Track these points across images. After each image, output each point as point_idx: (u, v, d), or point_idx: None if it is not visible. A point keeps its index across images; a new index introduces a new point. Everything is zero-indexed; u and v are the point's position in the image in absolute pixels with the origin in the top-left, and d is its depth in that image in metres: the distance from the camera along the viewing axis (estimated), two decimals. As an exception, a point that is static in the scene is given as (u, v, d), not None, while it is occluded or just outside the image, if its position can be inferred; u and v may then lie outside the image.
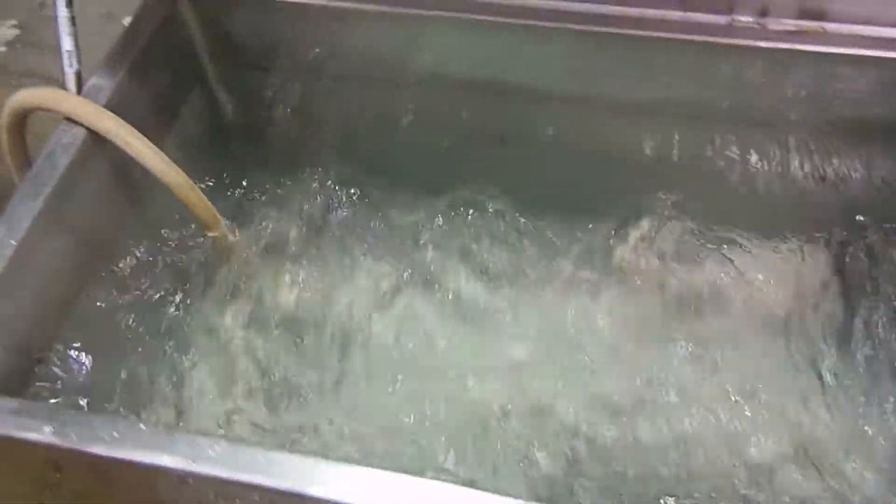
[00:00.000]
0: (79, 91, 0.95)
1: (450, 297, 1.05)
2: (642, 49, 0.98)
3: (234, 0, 1.09)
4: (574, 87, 1.05)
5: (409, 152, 1.16)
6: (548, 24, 0.99)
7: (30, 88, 0.93)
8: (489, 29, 1.01)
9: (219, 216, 0.99)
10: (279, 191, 1.16)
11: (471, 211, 1.12)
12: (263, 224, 1.10)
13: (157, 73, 1.04)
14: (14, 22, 2.04)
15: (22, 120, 0.96)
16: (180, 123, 1.11)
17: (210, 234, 1.01)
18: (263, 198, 1.15)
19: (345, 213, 1.13)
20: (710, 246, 1.09)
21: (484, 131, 1.12)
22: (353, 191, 1.15)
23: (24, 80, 1.89)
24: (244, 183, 1.18)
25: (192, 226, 1.03)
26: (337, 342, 1.02)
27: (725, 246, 1.09)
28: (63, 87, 0.95)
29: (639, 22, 0.97)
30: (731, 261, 1.08)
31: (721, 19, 0.96)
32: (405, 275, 1.07)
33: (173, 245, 1.03)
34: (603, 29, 0.98)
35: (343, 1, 1.05)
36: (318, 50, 1.11)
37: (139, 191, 1.00)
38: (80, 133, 0.90)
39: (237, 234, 1.04)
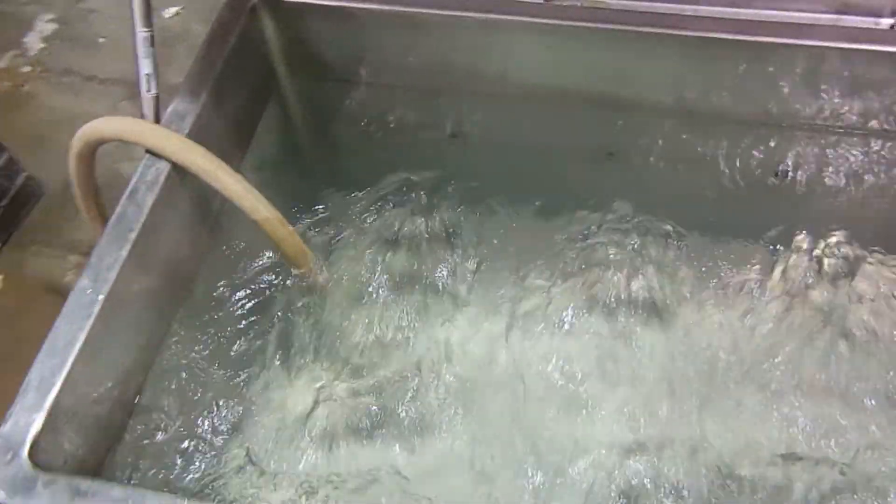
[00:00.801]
0: (157, 119, 0.87)
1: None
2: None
3: (309, 10, 0.99)
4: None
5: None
6: (654, 29, 0.90)
7: (108, 118, 0.84)
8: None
9: (308, 252, 0.91)
10: (362, 214, 1.07)
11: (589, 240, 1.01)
12: (348, 254, 1.01)
13: (236, 93, 0.96)
14: (52, 16, 1.96)
15: (94, 149, 0.88)
16: (257, 143, 1.02)
17: (299, 271, 0.93)
18: (345, 224, 1.06)
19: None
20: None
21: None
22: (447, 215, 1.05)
23: (63, 78, 1.82)
24: (322, 206, 1.09)
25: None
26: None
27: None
28: (140, 113, 0.87)
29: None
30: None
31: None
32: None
33: (257, 283, 0.95)
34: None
35: (425, 8, 0.96)
36: (398, 59, 1.02)
37: (222, 224, 0.93)
38: (164, 168, 0.82)
39: (324, 270, 0.95)
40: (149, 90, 0.87)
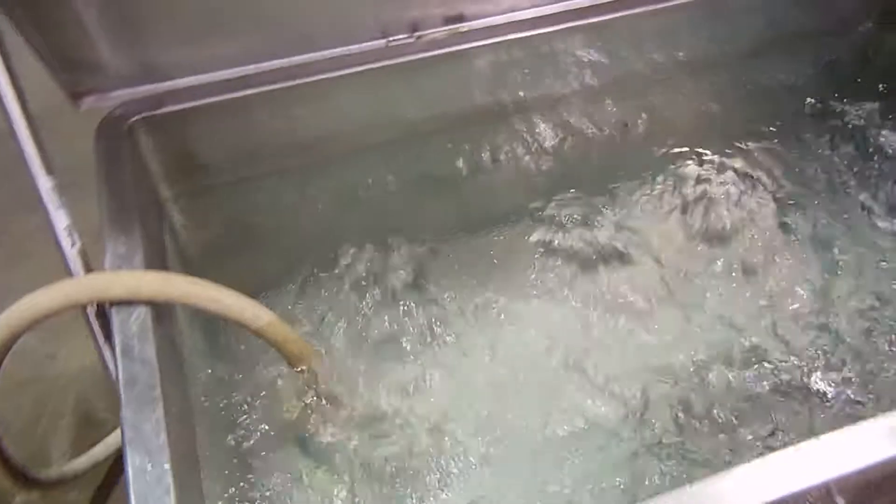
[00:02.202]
0: (89, 271, 0.75)
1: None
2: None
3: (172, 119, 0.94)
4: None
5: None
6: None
7: (44, 289, 0.70)
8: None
9: (311, 347, 0.85)
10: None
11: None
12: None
13: (146, 218, 0.86)
14: None
15: (12, 343, 0.73)
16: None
17: (302, 367, 0.86)
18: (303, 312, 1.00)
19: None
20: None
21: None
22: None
23: None
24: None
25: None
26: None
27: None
28: (66, 271, 0.75)
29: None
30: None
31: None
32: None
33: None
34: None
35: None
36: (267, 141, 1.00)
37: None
38: (141, 311, 0.71)
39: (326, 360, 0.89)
40: (73, 244, 0.75)
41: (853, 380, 0.94)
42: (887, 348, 0.98)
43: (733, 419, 0.91)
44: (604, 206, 1.13)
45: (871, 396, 0.93)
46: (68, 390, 1.29)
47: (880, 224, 1.13)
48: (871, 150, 1.20)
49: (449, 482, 0.86)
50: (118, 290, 0.70)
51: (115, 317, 0.71)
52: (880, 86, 1.25)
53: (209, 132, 0.95)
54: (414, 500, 0.86)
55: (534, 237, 1.10)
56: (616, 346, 0.99)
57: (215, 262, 1.01)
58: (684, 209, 1.15)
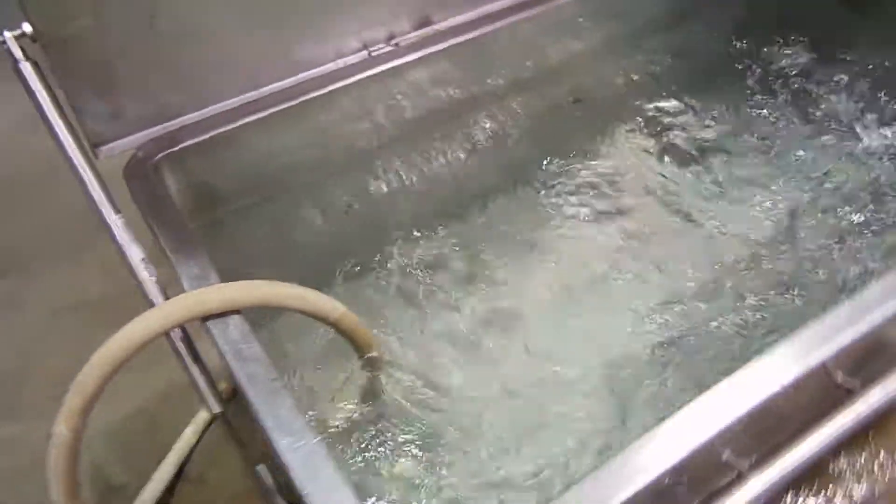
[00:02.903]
0: (166, 297, 0.79)
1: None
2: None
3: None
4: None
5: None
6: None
7: (138, 319, 0.73)
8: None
9: (373, 335, 0.91)
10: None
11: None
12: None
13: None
14: None
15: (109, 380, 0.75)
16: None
17: (370, 354, 0.92)
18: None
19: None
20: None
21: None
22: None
23: None
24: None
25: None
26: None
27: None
28: (146, 303, 0.78)
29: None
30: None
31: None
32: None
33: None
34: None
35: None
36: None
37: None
38: (235, 319, 0.76)
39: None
40: (151, 274, 0.78)
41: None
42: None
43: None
44: (582, 164, 1.26)
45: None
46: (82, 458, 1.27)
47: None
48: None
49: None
50: (215, 302, 0.74)
51: (214, 329, 0.75)
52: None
53: (226, 160, 0.99)
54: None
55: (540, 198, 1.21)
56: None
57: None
58: (656, 150, 1.30)
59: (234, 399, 1.21)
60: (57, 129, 0.74)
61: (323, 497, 0.63)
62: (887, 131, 1.33)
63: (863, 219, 1.20)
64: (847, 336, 0.78)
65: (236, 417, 1.00)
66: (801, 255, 1.16)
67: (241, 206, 1.02)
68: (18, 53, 0.72)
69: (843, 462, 1.26)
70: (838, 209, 1.22)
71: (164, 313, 0.73)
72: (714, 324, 1.05)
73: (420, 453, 0.91)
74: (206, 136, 0.97)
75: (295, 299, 0.79)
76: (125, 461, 1.28)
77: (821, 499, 1.36)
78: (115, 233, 0.76)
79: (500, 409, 0.96)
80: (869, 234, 1.18)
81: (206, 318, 0.75)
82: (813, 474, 1.35)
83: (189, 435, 1.22)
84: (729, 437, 0.72)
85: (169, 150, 0.94)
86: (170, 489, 1.20)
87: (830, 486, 1.36)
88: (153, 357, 1.36)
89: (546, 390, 0.97)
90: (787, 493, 1.26)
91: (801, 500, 1.30)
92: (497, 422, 0.94)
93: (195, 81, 0.96)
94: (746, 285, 1.11)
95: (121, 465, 1.26)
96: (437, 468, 0.90)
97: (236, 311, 0.76)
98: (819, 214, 1.23)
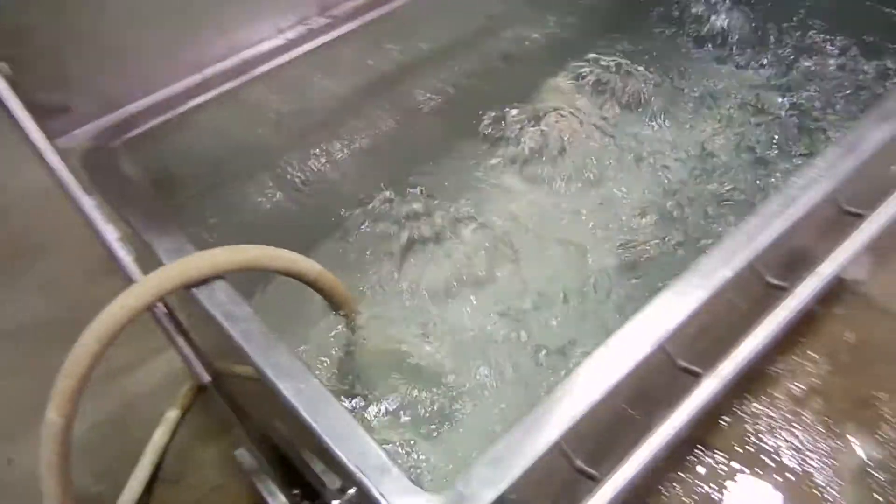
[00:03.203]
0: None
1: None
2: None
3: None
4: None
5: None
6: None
7: (128, 291, 0.76)
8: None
9: (350, 294, 0.96)
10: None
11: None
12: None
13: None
14: None
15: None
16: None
17: (345, 311, 0.96)
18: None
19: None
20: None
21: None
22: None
23: None
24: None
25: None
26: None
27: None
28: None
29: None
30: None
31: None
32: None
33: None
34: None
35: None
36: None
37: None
38: (219, 283, 0.79)
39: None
40: (129, 253, 0.80)
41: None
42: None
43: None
44: (516, 115, 1.33)
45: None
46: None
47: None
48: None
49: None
50: (200, 268, 0.77)
51: (201, 295, 0.78)
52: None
53: (180, 144, 1.01)
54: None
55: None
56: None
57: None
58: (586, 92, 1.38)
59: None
60: (19, 116, 0.75)
61: (334, 430, 0.68)
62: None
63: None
64: (770, 234, 0.87)
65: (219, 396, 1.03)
66: (727, 172, 1.28)
67: (201, 189, 1.05)
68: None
69: (780, 365, 1.40)
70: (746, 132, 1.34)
71: (151, 283, 0.76)
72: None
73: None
74: (158, 121, 0.99)
75: (276, 260, 0.83)
76: (97, 471, 1.28)
77: (765, 401, 1.49)
78: (89, 214, 0.78)
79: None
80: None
81: (190, 287, 0.78)
82: (756, 379, 1.49)
83: (160, 435, 1.24)
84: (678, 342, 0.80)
85: (124, 137, 0.96)
86: (147, 490, 1.22)
87: (770, 389, 1.50)
88: (112, 366, 1.36)
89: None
90: (734, 400, 1.39)
91: (746, 405, 1.43)
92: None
93: (141, 68, 0.98)
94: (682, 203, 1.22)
95: (92, 475, 1.27)
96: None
97: (220, 277, 0.79)
98: (732, 135, 1.35)
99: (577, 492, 0.76)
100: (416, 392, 0.95)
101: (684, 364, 1.11)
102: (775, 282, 1.23)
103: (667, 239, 1.15)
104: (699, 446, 1.44)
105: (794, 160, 1.24)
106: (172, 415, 1.38)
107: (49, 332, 1.55)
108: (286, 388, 0.70)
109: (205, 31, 1.01)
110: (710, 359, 0.95)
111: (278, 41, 1.08)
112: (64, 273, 1.71)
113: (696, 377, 0.98)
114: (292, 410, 0.69)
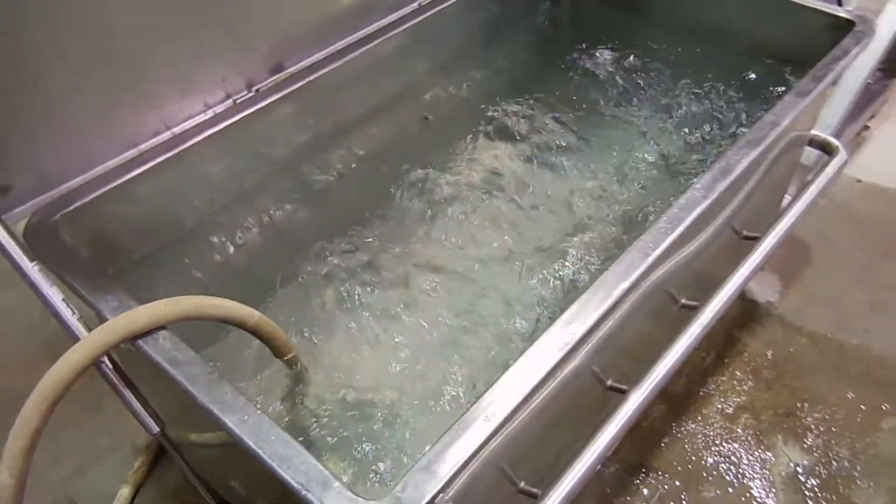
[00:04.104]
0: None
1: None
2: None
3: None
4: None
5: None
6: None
7: (77, 347, 0.80)
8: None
9: (288, 339, 1.01)
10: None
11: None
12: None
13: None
14: None
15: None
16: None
17: (287, 357, 1.01)
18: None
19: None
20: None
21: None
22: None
23: None
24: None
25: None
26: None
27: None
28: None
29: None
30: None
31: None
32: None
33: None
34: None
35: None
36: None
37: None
38: (162, 333, 0.84)
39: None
40: (73, 313, 0.85)
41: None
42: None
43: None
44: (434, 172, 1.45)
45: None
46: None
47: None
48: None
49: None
50: (144, 319, 0.82)
51: (146, 346, 0.82)
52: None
53: (119, 215, 1.07)
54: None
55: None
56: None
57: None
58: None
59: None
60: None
61: (277, 453, 0.73)
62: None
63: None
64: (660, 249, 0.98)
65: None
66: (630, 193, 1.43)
67: (142, 255, 1.10)
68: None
69: (710, 386, 1.50)
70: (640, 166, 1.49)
71: (97, 337, 0.80)
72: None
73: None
74: (95, 195, 1.04)
75: (216, 308, 0.88)
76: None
77: (699, 421, 1.58)
78: (34, 278, 0.83)
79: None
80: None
81: (135, 339, 0.83)
82: (688, 400, 1.58)
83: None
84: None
85: (64, 212, 1.01)
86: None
87: (703, 409, 1.60)
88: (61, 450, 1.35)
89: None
90: (671, 423, 1.47)
91: (682, 425, 1.51)
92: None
93: (78, 146, 1.04)
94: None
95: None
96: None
97: (163, 328, 0.84)
98: (637, 168, 1.49)
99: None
100: (357, 422, 1.01)
101: (612, 383, 1.19)
102: (688, 302, 1.34)
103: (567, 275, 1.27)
104: (643, 469, 1.51)
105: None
106: (125, 491, 1.38)
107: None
108: (230, 421, 0.75)
109: (138, 109, 1.08)
110: (637, 377, 1.03)
111: (207, 115, 1.16)
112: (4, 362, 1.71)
113: (623, 394, 1.06)
114: (238, 441, 0.74)
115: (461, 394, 1.08)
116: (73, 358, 0.79)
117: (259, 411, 0.76)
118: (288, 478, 0.70)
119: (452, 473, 0.71)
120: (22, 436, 0.79)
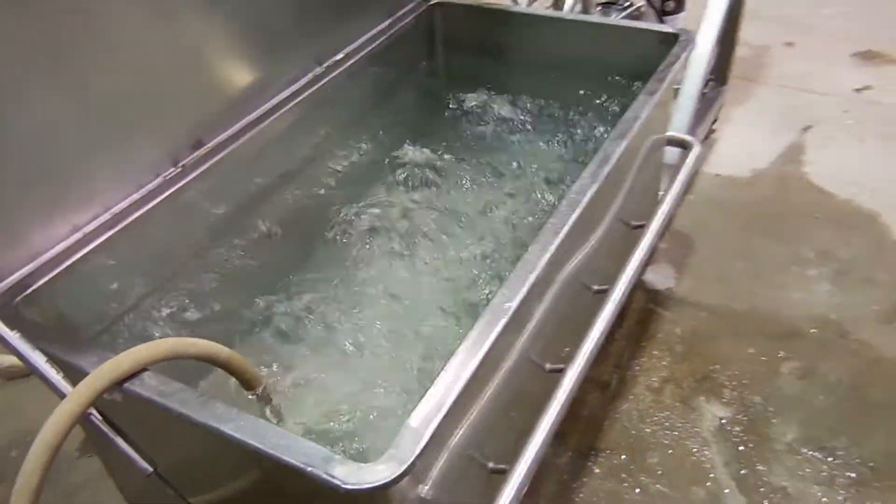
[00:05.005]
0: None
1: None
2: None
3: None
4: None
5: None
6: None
7: (70, 397, 0.86)
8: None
9: (257, 372, 1.09)
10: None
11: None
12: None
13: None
14: None
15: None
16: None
17: (255, 391, 1.09)
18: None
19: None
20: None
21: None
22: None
23: None
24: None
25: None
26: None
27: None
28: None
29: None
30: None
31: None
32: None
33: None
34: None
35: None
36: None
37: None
38: (145, 374, 0.91)
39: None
40: (58, 371, 0.91)
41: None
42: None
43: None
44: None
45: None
46: None
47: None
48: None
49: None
50: (127, 365, 0.89)
51: (133, 387, 0.90)
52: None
53: (76, 290, 1.14)
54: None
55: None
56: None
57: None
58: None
59: None
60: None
61: (278, 444, 0.82)
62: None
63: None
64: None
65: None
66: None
67: (104, 324, 1.17)
68: None
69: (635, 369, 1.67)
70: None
71: (86, 384, 0.87)
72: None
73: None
74: (48, 277, 1.11)
75: (190, 347, 0.96)
76: None
77: (630, 399, 1.74)
78: (16, 345, 0.89)
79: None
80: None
81: (121, 383, 0.90)
82: (619, 383, 1.74)
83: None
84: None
85: (21, 296, 1.07)
86: None
87: (631, 388, 1.77)
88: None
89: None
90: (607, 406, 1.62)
91: (617, 405, 1.66)
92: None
93: (25, 238, 1.11)
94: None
95: None
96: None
97: (145, 370, 0.92)
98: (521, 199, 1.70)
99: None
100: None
101: (550, 366, 1.34)
102: (599, 287, 1.52)
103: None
104: (592, 452, 1.65)
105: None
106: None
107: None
108: (229, 429, 0.83)
109: (78, 196, 1.17)
110: (570, 357, 1.19)
111: (142, 193, 1.26)
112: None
113: (561, 373, 1.21)
114: (240, 444, 0.82)
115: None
116: (66, 407, 0.85)
117: (252, 416, 0.85)
118: (293, 460, 0.79)
119: (434, 429, 0.83)
120: (26, 491, 0.83)
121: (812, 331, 1.88)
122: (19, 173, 1.07)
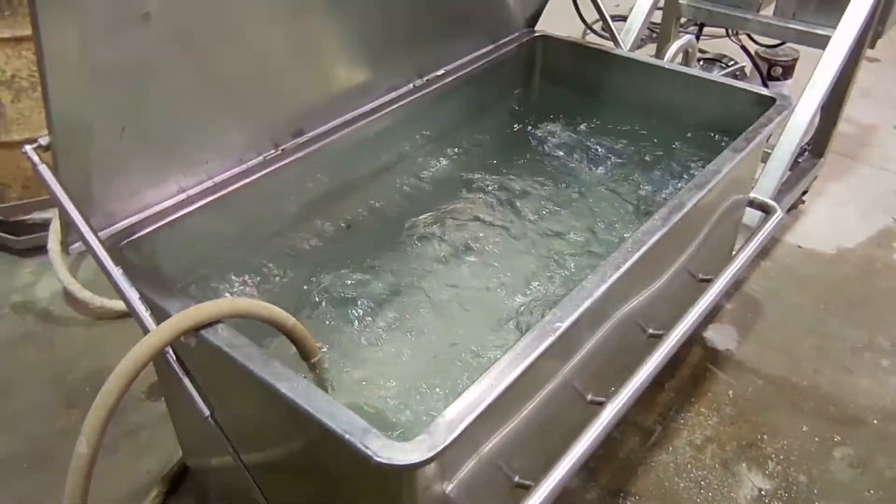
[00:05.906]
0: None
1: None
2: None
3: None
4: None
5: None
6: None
7: (155, 331, 0.96)
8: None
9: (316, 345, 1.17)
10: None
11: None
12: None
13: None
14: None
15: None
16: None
17: (314, 359, 1.17)
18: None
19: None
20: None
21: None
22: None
23: None
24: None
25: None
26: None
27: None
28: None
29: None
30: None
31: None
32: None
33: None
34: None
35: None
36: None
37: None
38: (218, 326, 1.01)
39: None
40: (148, 310, 1.01)
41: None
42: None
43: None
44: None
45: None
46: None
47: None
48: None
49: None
50: (206, 313, 0.99)
51: (208, 334, 0.99)
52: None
53: (171, 245, 1.26)
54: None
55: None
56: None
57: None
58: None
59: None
60: (69, 210, 0.99)
61: (324, 409, 0.89)
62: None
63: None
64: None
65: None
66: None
67: (191, 279, 1.28)
68: (36, 159, 0.98)
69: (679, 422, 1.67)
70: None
71: (169, 325, 0.97)
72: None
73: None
74: (151, 228, 1.23)
75: (263, 309, 1.06)
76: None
77: (669, 451, 1.74)
78: (117, 279, 1.00)
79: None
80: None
81: (198, 329, 1.00)
82: (659, 434, 1.75)
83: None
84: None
85: (127, 240, 1.20)
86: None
87: (673, 441, 1.76)
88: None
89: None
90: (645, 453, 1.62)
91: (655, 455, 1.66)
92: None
93: (137, 190, 1.24)
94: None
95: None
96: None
97: (220, 321, 1.01)
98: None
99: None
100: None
101: (592, 397, 1.37)
102: (654, 332, 1.54)
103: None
104: (622, 494, 1.66)
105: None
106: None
107: (9, 467, 1.64)
108: (283, 387, 0.92)
109: (187, 163, 1.29)
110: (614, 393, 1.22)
111: (242, 168, 1.38)
112: (27, 410, 1.82)
113: (602, 406, 1.24)
114: (290, 403, 0.90)
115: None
116: (150, 341, 0.96)
117: (305, 379, 0.93)
118: (335, 426, 0.87)
119: (468, 424, 0.88)
120: (102, 407, 0.94)
121: (875, 421, 1.82)
122: (144, 133, 1.19)
